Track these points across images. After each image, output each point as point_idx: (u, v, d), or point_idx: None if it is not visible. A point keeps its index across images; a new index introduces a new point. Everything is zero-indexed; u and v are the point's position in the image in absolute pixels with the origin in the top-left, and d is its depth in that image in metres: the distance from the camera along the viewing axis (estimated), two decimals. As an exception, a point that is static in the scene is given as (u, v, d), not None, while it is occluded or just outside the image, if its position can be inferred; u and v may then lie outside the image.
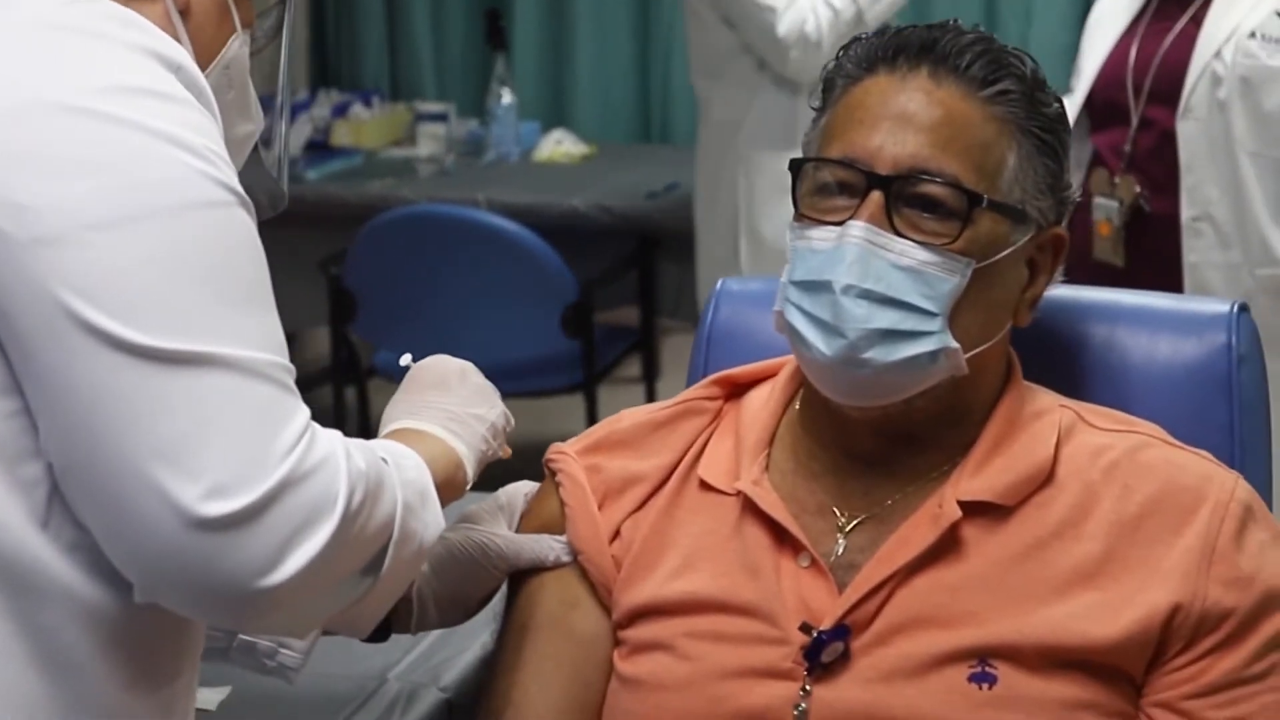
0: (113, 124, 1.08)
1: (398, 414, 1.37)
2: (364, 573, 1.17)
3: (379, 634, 1.42)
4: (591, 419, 3.78)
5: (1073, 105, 2.97)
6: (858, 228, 1.31)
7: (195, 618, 1.15)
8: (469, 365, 1.45)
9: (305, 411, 1.11)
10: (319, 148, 4.49)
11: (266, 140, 1.37)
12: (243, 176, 1.35)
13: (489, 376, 4.12)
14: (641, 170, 4.21)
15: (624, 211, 3.91)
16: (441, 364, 1.44)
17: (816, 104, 1.41)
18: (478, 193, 4.00)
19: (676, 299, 3.89)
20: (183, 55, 1.16)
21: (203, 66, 1.23)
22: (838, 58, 1.40)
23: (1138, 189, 2.79)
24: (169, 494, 1.04)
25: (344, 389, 4.11)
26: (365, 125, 4.56)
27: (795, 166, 1.37)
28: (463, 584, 1.44)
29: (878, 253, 1.31)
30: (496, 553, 1.43)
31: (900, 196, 1.32)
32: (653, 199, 3.94)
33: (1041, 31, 4.46)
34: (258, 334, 1.10)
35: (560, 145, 4.45)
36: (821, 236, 1.33)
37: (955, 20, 1.39)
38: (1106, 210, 2.81)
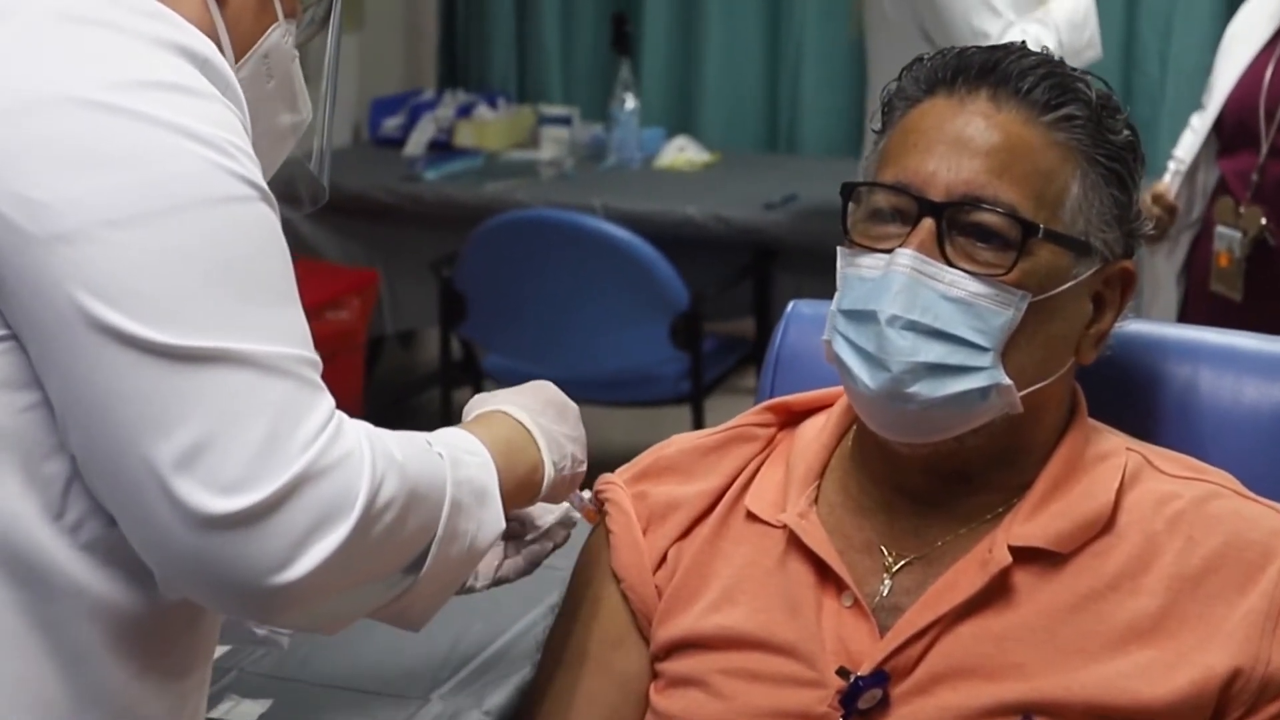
0: (130, 119, 1.06)
1: (512, 400, 1.34)
2: (405, 571, 1.15)
3: None
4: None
5: (1203, 123, 2.85)
6: (906, 256, 1.25)
7: (216, 610, 1.15)
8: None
9: (327, 405, 1.09)
10: (441, 147, 4.50)
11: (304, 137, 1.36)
12: (284, 169, 1.34)
13: (596, 384, 4.07)
14: (762, 180, 4.16)
15: (740, 222, 3.86)
16: (564, 396, 1.39)
17: (877, 127, 1.35)
18: (594, 198, 3.98)
19: (790, 312, 3.82)
20: (209, 48, 1.14)
21: (239, 55, 1.23)
22: (899, 79, 1.34)
23: (1264, 221, 2.68)
24: (178, 490, 1.04)
25: (455, 390, 4.10)
26: (488, 126, 4.56)
27: (847, 190, 1.31)
28: None
29: (926, 283, 1.25)
30: None
31: (953, 224, 1.26)
32: (770, 210, 3.88)
33: (1181, 48, 4.33)
34: (277, 328, 1.08)
35: (683, 152, 4.42)
36: (870, 264, 1.28)
37: (1021, 43, 1.32)
38: (1228, 240, 2.70)
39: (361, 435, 1.10)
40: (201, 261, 1.06)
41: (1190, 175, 2.85)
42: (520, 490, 1.29)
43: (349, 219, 4.21)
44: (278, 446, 1.05)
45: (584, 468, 1.37)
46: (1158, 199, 2.84)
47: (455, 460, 1.18)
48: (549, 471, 1.31)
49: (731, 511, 1.40)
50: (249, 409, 1.05)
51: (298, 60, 1.31)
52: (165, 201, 1.05)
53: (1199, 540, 1.27)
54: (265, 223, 1.10)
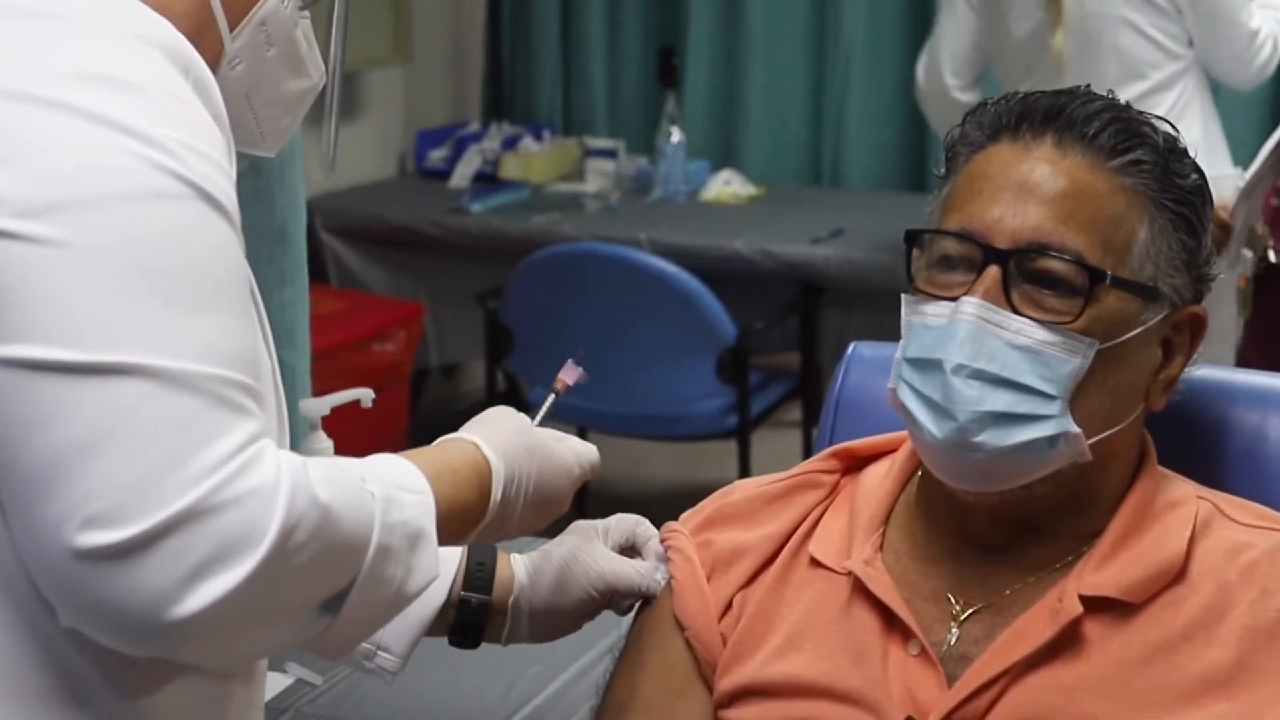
0: (54, 110, 1.01)
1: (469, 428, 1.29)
2: (322, 609, 1.08)
3: (468, 640, 1.42)
4: (744, 466, 3.72)
5: (1268, 144, 2.83)
6: (971, 304, 1.24)
7: (115, 646, 1.03)
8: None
9: (244, 431, 1.00)
10: (487, 179, 4.51)
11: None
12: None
13: (641, 419, 4.03)
14: (808, 214, 4.15)
15: (787, 256, 3.85)
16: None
17: (941, 172, 1.34)
18: (640, 232, 3.97)
19: (837, 347, 3.81)
20: (168, 33, 1.09)
21: (233, 24, 1.19)
22: (962, 124, 1.33)
23: (1271, 243, 2.66)
24: (49, 519, 0.96)
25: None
26: (534, 159, 4.56)
27: (911, 237, 1.30)
28: (554, 594, 1.41)
29: (992, 331, 1.24)
30: (589, 562, 1.41)
31: (1019, 272, 1.25)
32: (817, 244, 3.87)
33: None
34: (192, 341, 0.99)
35: (728, 186, 4.41)
36: (935, 312, 1.27)
37: (1086, 86, 1.31)
38: (1245, 262, 2.69)
39: (283, 469, 1.01)
40: (108, 260, 0.98)
41: (1249, 193, 2.84)
42: (461, 516, 1.22)
43: (395, 251, 4.23)
44: (170, 472, 0.96)
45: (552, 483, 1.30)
46: (1216, 214, 2.82)
47: (389, 500, 1.10)
48: (497, 494, 1.24)
49: (795, 558, 1.39)
50: (136, 429, 0.96)
51: (304, 24, 1.26)
52: (76, 194, 0.99)
53: (1274, 590, 1.25)
54: (201, 226, 1.03)
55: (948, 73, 3.48)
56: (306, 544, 1.01)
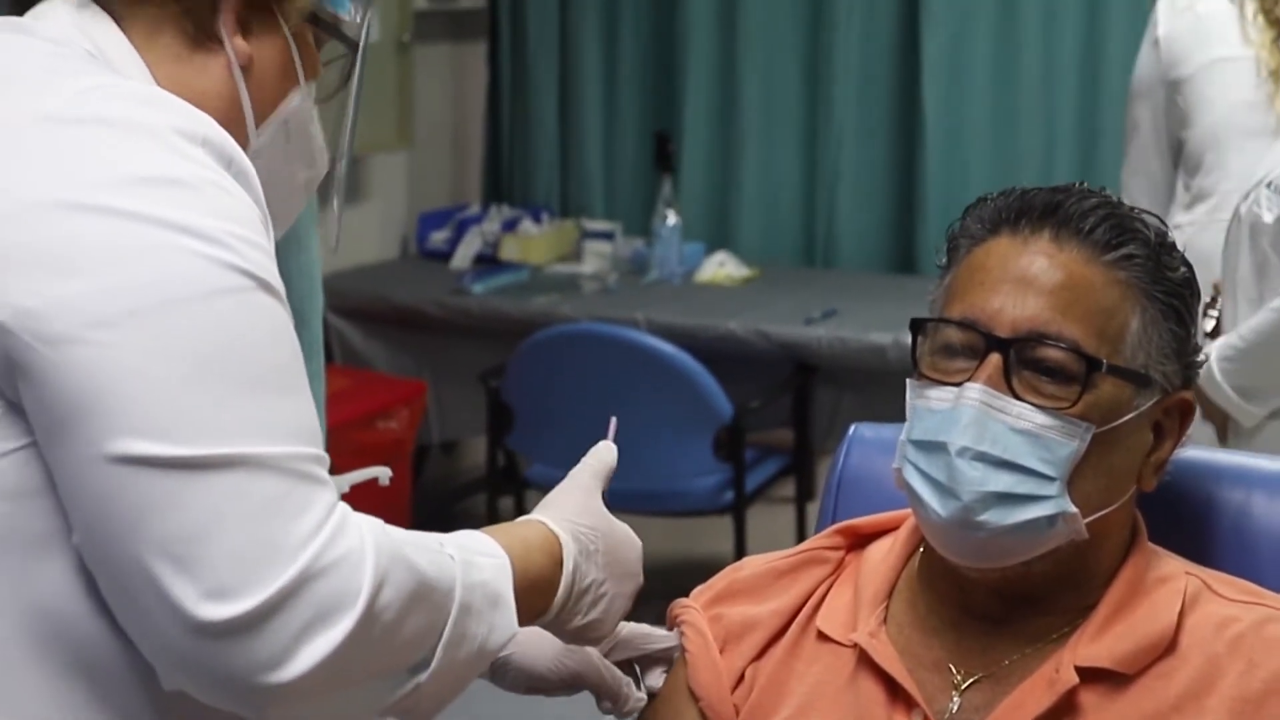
0: (116, 218, 1.07)
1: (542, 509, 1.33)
2: (411, 670, 1.15)
3: None
4: (740, 542, 3.78)
5: None
6: (975, 390, 1.31)
7: (214, 705, 1.11)
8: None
9: (325, 501, 1.08)
10: (487, 261, 4.58)
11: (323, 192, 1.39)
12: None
13: (638, 495, 4.12)
14: (802, 295, 4.23)
15: (781, 336, 3.92)
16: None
17: (941, 261, 1.41)
18: (638, 312, 4.05)
19: (830, 424, 3.88)
20: (209, 127, 1.15)
21: (259, 120, 1.26)
22: (963, 217, 1.40)
23: None
24: (170, 598, 1.04)
25: (500, 499, 4.16)
26: (533, 241, 4.64)
27: (916, 325, 1.38)
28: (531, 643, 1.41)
29: (995, 415, 1.31)
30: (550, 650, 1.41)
31: (1020, 359, 1.32)
32: (810, 324, 3.95)
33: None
34: (271, 425, 1.08)
35: (723, 267, 4.48)
36: (939, 397, 1.34)
37: (1081, 183, 1.39)
38: None
39: (365, 532, 1.09)
40: (188, 361, 1.06)
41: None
42: (540, 586, 1.27)
43: (398, 330, 4.30)
44: (272, 549, 1.05)
45: (629, 584, 1.35)
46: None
47: (468, 563, 1.17)
48: (569, 564, 1.29)
49: (804, 632, 1.44)
50: (237, 512, 1.05)
51: (316, 118, 1.32)
52: (149, 299, 1.06)
53: (1259, 663, 1.31)
54: (262, 313, 1.10)
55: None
56: (394, 600, 1.10)
